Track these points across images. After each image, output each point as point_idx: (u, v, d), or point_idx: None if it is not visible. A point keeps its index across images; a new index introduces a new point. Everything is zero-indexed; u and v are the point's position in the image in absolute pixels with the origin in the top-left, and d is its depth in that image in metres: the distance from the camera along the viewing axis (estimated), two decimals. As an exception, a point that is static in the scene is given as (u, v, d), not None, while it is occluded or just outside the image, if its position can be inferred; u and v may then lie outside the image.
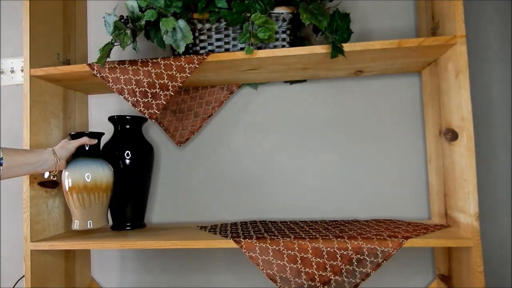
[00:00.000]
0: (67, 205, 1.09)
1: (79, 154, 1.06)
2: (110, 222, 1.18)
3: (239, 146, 1.29)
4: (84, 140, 1.06)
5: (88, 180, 1.03)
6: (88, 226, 1.04)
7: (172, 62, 1.01)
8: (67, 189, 1.03)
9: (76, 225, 1.04)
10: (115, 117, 1.17)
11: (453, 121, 0.98)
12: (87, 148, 1.07)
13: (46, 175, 1.03)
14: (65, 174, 1.03)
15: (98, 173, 1.04)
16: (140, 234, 1.09)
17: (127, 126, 1.17)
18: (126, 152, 1.14)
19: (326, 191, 1.24)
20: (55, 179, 1.09)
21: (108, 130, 1.36)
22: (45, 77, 1.10)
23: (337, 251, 0.90)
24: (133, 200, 1.17)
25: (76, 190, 1.02)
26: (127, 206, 1.17)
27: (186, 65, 1.00)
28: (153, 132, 1.32)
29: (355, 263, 0.90)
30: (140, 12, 1.00)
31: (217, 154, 1.30)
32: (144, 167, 1.18)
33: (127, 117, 1.16)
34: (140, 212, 1.19)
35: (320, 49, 0.97)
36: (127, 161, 1.14)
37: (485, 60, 1.19)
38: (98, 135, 1.10)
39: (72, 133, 1.09)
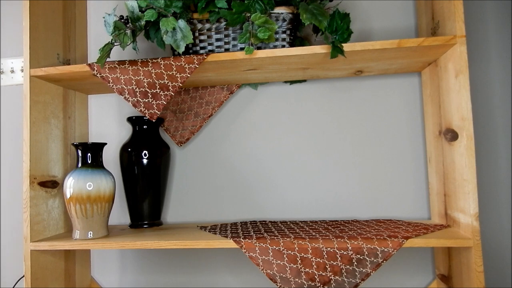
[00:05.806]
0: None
1: (81, 164, 1.06)
2: (128, 221, 1.22)
3: (239, 146, 1.29)
4: None
5: (91, 191, 1.03)
6: (89, 237, 1.05)
7: (172, 62, 1.01)
8: (68, 198, 1.03)
9: (77, 235, 1.05)
10: (134, 118, 1.19)
11: (453, 121, 0.98)
12: (89, 161, 1.07)
13: None
14: (67, 184, 1.03)
15: (102, 184, 1.04)
16: (140, 234, 1.09)
17: (145, 127, 1.20)
18: (144, 152, 1.17)
19: (326, 191, 1.24)
20: None
21: (108, 130, 1.36)
22: (45, 77, 1.10)
23: (337, 251, 0.90)
24: (151, 198, 1.19)
25: (79, 201, 1.02)
26: (145, 205, 1.19)
27: (186, 65, 1.00)
28: (153, 132, 1.33)
29: (355, 263, 0.90)
30: (140, 12, 1.00)
31: (217, 154, 1.30)
32: (161, 166, 1.21)
33: (144, 118, 1.18)
34: (157, 210, 1.22)
35: (320, 49, 0.97)
36: (145, 161, 1.17)
37: (485, 60, 1.19)
38: (100, 146, 1.10)
39: (74, 143, 1.09)
